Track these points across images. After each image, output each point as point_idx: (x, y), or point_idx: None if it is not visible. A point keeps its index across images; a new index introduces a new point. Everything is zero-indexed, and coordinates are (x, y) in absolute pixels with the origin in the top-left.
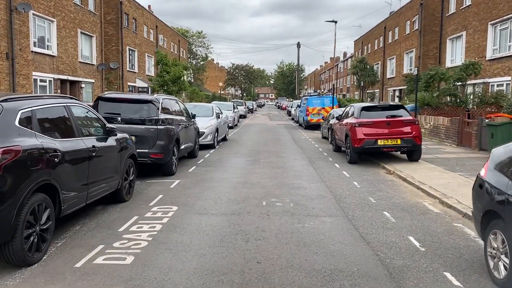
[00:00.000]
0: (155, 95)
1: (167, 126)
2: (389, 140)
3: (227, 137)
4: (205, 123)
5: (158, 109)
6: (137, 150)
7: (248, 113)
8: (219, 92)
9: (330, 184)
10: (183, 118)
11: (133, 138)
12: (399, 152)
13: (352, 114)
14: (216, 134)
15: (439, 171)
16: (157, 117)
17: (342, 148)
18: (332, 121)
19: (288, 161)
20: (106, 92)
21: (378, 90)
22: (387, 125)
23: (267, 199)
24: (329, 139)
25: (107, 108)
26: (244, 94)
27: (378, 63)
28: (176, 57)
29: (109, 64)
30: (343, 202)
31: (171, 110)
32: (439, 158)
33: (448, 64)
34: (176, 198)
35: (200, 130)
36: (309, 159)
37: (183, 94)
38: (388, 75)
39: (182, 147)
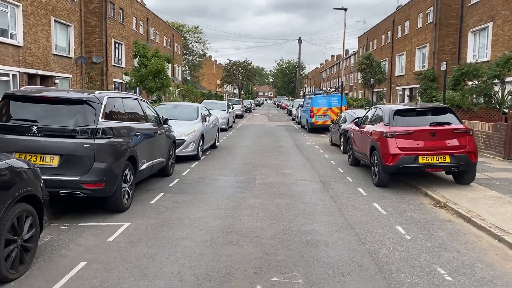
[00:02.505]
0: (97, 92)
1: (112, 139)
2: (435, 157)
3: (217, 143)
4: (186, 129)
5: (98, 113)
6: (62, 178)
7: (246, 112)
8: (216, 90)
9: (363, 233)
10: (147, 124)
11: (55, 159)
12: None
13: (380, 120)
14: (201, 141)
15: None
16: (95, 126)
17: (362, 162)
18: (344, 126)
19: (293, 183)
20: (22, 88)
21: (385, 89)
22: (432, 136)
23: (263, 276)
24: (342, 147)
25: (20, 112)
26: (242, 92)
27: (385, 60)
28: (158, 48)
29: (91, 58)
30: (398, 282)
31: (124, 114)
32: (495, 178)
33: (470, 60)
34: (104, 272)
35: (178, 138)
36: (322, 179)
37: (177, 92)
38: (397, 73)
39: (144, 166)
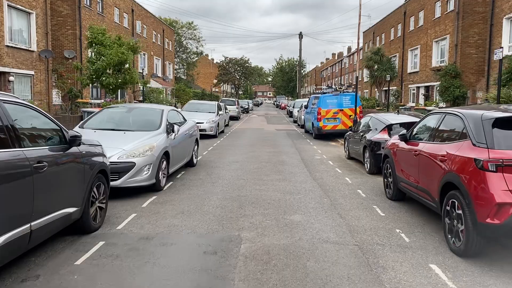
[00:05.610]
0: None
1: None
2: None
3: (195, 159)
4: (138, 145)
5: None
6: None
7: (243, 113)
8: (211, 89)
9: None
10: (18, 151)
11: None
12: None
13: (460, 134)
14: (163, 163)
15: None
16: None
17: (408, 194)
18: (371, 136)
19: (310, 252)
20: None
21: (395, 88)
22: None
23: None
24: (367, 165)
25: None
26: (240, 91)
27: (395, 56)
28: (147, 44)
29: (63, 53)
30: None
31: None
32: None
33: (506, 51)
34: None
35: (122, 161)
36: (357, 238)
37: (170, 93)
38: (409, 70)
39: None
